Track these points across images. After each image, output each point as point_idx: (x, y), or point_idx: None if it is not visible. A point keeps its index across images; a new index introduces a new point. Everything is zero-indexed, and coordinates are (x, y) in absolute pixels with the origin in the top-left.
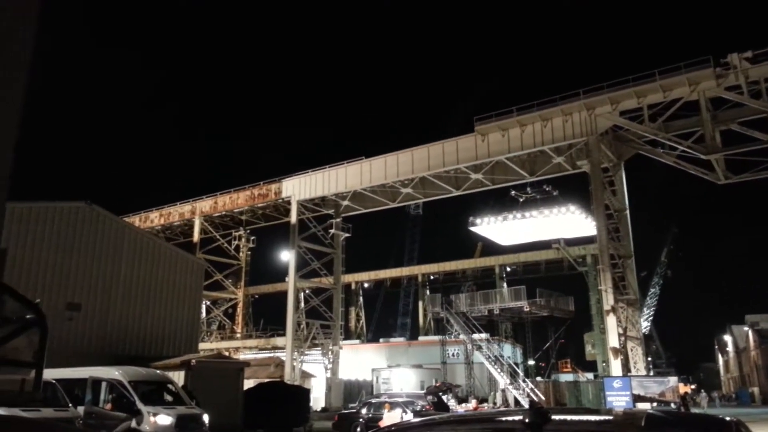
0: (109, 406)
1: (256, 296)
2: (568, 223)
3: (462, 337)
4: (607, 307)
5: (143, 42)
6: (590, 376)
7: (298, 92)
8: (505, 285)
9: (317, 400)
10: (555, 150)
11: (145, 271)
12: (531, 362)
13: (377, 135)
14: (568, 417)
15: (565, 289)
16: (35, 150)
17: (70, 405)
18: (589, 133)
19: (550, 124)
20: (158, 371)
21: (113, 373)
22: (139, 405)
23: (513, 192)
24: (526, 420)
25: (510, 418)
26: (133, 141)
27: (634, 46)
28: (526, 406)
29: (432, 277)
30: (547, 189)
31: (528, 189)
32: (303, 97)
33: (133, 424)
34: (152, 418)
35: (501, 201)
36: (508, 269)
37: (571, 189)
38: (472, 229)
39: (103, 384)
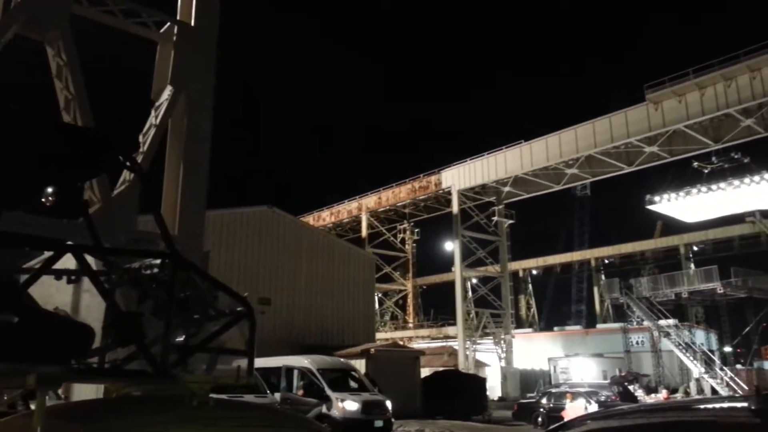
0: (301, 392)
1: (424, 287)
2: (764, 192)
3: (646, 323)
4: None
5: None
6: None
7: (450, 79)
8: (692, 266)
9: (493, 389)
10: (742, 112)
11: (323, 266)
12: (728, 348)
13: (534, 117)
14: None
15: (766, 267)
16: (221, 160)
17: (268, 392)
18: None
19: (734, 83)
20: (342, 359)
21: (303, 361)
22: (328, 391)
23: (696, 163)
24: (753, 407)
25: (724, 405)
26: (295, 144)
27: None
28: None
29: (606, 261)
30: (736, 156)
31: (713, 158)
32: (455, 83)
33: (324, 409)
34: (340, 404)
35: (682, 174)
36: (695, 248)
37: (765, 154)
38: (650, 207)
39: (295, 372)
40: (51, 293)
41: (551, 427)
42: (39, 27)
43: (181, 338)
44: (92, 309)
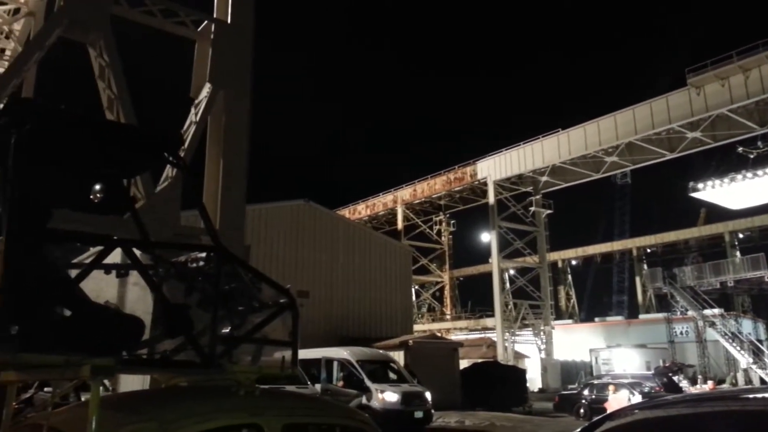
0: (341, 383)
1: (461, 278)
2: None
3: (690, 313)
4: None
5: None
6: None
7: (482, 69)
8: (738, 253)
9: (533, 381)
10: None
11: (360, 259)
12: None
13: (570, 105)
14: None
15: None
16: (256, 154)
17: (309, 383)
18: None
19: None
20: (380, 351)
21: (342, 353)
22: (368, 382)
23: (740, 148)
24: None
25: None
26: (330, 138)
27: None
28: None
29: (648, 250)
30: None
31: (759, 143)
32: (487, 73)
33: (363, 400)
34: (380, 395)
35: (726, 160)
36: (741, 236)
37: None
38: (693, 194)
39: (335, 363)
40: (101, 287)
41: (599, 417)
42: (81, 29)
43: (226, 330)
44: (140, 302)
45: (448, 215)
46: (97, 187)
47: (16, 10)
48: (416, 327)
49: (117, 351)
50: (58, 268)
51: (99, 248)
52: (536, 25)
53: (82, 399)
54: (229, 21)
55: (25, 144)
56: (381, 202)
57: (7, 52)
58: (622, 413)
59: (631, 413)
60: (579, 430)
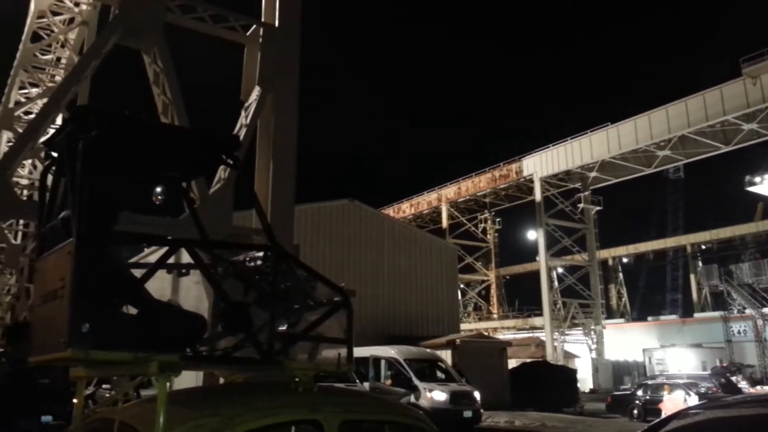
0: (389, 382)
1: (508, 277)
2: None
3: (749, 311)
4: None
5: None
6: None
7: (526, 63)
8: None
9: (584, 381)
10: None
11: (405, 257)
12: None
13: (619, 99)
14: None
15: None
16: (302, 154)
17: (357, 381)
18: None
19: None
20: (428, 350)
21: (390, 352)
22: (416, 381)
23: None
24: None
25: None
26: (375, 137)
27: None
28: None
29: (703, 247)
30: None
31: None
32: (533, 67)
33: (411, 398)
34: (428, 394)
35: None
36: None
37: None
38: (750, 189)
39: (382, 362)
40: (164, 286)
41: (664, 416)
42: (135, 36)
43: (283, 327)
44: (200, 300)
45: (493, 213)
46: (159, 189)
47: (71, 20)
48: (463, 326)
49: (182, 348)
50: (125, 269)
51: (160, 248)
52: (573, 20)
53: (142, 396)
54: (276, 24)
55: (93, 149)
56: (425, 201)
57: (63, 60)
58: (688, 413)
59: (698, 413)
60: (646, 427)
